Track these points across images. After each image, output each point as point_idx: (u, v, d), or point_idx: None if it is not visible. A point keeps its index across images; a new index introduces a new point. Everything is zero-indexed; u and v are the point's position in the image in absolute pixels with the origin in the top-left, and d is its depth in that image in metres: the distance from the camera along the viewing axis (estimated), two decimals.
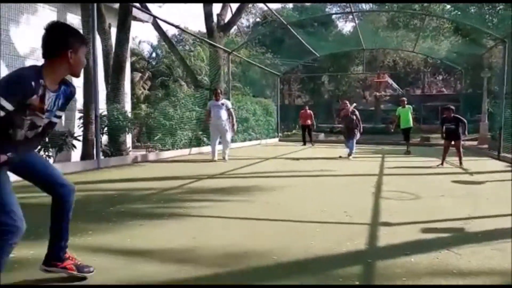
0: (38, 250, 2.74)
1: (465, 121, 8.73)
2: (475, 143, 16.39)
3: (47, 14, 8.81)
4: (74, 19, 9.50)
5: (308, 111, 15.48)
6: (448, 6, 22.23)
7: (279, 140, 18.76)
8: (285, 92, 35.76)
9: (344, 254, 2.84)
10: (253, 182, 6.31)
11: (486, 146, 14.41)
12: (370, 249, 2.97)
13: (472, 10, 21.12)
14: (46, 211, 2.36)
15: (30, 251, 2.73)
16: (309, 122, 15.42)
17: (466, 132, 8.85)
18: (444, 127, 8.71)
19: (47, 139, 7.52)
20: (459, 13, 21.63)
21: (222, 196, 5.01)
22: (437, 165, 8.64)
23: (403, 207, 4.45)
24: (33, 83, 1.88)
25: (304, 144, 15.34)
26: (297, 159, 10.36)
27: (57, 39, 2.01)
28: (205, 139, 11.84)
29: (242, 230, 3.46)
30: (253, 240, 3.15)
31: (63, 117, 8.85)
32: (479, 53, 16.82)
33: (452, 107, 8.80)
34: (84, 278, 2.31)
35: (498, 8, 20.07)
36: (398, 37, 20.56)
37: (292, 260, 2.70)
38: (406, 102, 12.15)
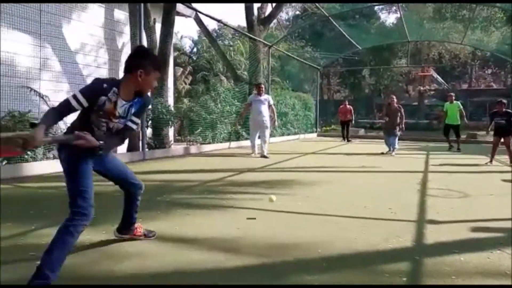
0: (94, 235, 2.93)
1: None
2: None
3: (96, 11, 9.23)
4: (121, 15, 9.89)
5: (348, 106, 15.16)
6: None
7: (318, 135, 18.59)
8: (324, 87, 35.24)
9: (390, 251, 2.80)
10: (292, 176, 6.33)
11: None
12: (417, 246, 2.92)
13: None
14: (99, 199, 2.56)
15: (86, 236, 2.91)
16: (348, 117, 15.11)
17: None
18: (494, 122, 8.27)
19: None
20: None
21: (263, 189, 5.07)
22: (486, 163, 8.25)
23: (450, 205, 4.30)
24: (105, 85, 2.25)
25: (344, 139, 15.08)
26: (346, 154, 10.23)
27: (133, 59, 2.33)
28: (244, 133, 11.96)
29: (283, 223, 3.49)
30: (295, 233, 3.18)
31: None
32: None
33: (504, 101, 8.30)
34: (153, 234, 2.97)
35: None
36: (445, 29, 19.65)
37: (336, 254, 2.70)
38: (454, 98, 11.58)
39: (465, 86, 41.41)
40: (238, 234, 3.12)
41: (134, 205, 2.78)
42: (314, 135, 18.39)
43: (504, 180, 6.18)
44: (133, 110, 2.42)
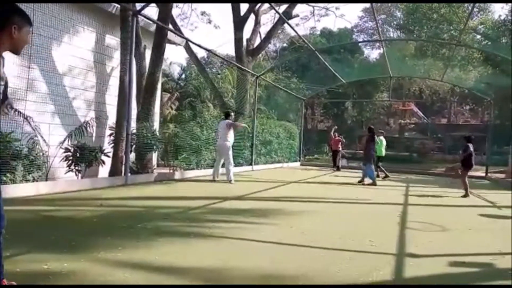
0: (71, 263, 2.87)
1: (467, 151, 8.69)
2: (503, 175, 15.87)
3: (88, 35, 9.32)
4: (112, 40, 10.00)
5: (338, 137, 16.08)
6: (478, 36, 22.12)
7: (301, 164, 18.73)
8: (308, 117, 35.83)
9: (371, 285, 2.83)
10: (276, 205, 6.34)
11: None
12: (397, 280, 2.95)
13: (504, 41, 20.92)
14: (78, 225, 2.49)
15: (64, 264, 2.85)
16: (340, 147, 15.88)
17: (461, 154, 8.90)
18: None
19: (78, 154, 7.82)
20: (490, 43, 21.47)
21: (246, 218, 5.06)
22: (463, 196, 8.59)
23: (429, 238, 4.38)
24: None
25: (334, 167, 15.80)
26: (328, 183, 10.33)
27: (2, 14, 2.12)
28: None
29: (266, 254, 3.49)
30: (278, 264, 3.18)
31: (93, 133, 9.07)
32: (510, 84, 16.49)
33: (468, 136, 9.04)
34: None
35: None
36: (426, 66, 20.51)
37: None
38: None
39: (444, 121, 42.76)
40: (220, 264, 3.10)
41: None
42: (298, 164, 18.53)
43: (482, 215, 6.33)
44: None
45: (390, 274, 3.06)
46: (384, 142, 13.01)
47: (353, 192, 8.74)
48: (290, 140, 17.94)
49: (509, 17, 19.96)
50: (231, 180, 8.91)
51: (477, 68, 21.75)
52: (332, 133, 16.51)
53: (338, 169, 15.71)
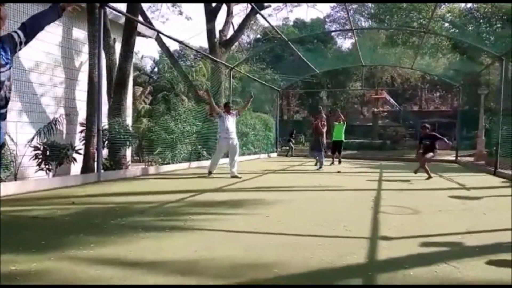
0: (41, 263, 2.79)
1: (442, 137, 9.22)
2: (471, 159, 16.49)
3: (54, 29, 8.98)
4: (80, 34, 9.69)
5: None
6: (447, 24, 22.70)
7: (278, 155, 18.84)
8: (284, 107, 35.99)
9: (344, 267, 2.88)
10: (253, 196, 6.36)
11: (483, 162, 14.49)
12: (370, 263, 3.02)
13: (470, 28, 21.56)
14: (49, 224, 2.42)
15: (32, 264, 2.76)
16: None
17: (446, 140, 9.28)
18: (421, 144, 9.28)
19: (47, 152, 7.58)
20: (457, 31, 22.08)
21: (222, 210, 5.05)
22: (426, 179, 8.88)
23: (401, 221, 4.50)
24: None
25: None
26: (305, 172, 10.42)
27: None
28: (204, 153, 11.91)
29: (243, 244, 3.50)
30: (254, 253, 3.19)
31: (64, 130, 8.81)
32: (476, 71, 17.05)
33: (428, 126, 9.43)
34: None
35: (496, 27, 20.51)
36: (396, 54, 20.90)
37: (293, 274, 2.74)
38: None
39: (416, 108, 43.89)
40: (195, 256, 3.08)
41: None
42: (275, 154, 18.62)
43: (452, 197, 6.55)
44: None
45: (364, 257, 3.12)
46: (344, 127, 13.38)
47: (329, 179, 8.86)
48: (267, 132, 18.00)
49: (475, 5, 20.55)
50: (237, 175, 8.58)
51: (446, 56, 22.32)
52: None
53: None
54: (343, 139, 13.39)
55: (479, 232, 4.06)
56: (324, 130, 13.93)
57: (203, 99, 14.86)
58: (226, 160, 9.20)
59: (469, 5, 21.40)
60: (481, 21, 20.84)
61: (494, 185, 8.49)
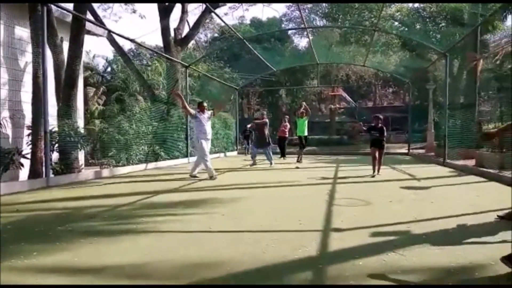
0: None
1: (385, 135, 8.78)
2: (423, 151, 17.34)
3: None
4: (23, 32, 9.16)
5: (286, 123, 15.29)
6: (396, 23, 23.66)
7: (238, 153, 18.81)
8: (245, 106, 36.04)
9: (296, 261, 2.91)
10: (210, 195, 6.29)
11: (432, 153, 15.27)
12: (321, 255, 3.06)
13: (418, 27, 22.60)
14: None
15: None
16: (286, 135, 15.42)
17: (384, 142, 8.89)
18: (370, 135, 8.87)
19: None
20: (406, 29, 23.08)
21: (178, 211, 4.96)
22: (371, 175, 8.52)
23: (354, 213, 4.62)
24: None
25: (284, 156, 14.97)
26: (264, 170, 10.45)
27: None
28: (162, 153, 11.66)
29: (195, 243, 3.44)
30: (206, 252, 3.15)
31: (9, 134, 8.36)
32: (424, 67, 17.91)
33: (380, 117, 8.81)
34: None
35: (441, 25, 21.62)
36: (350, 52, 21.51)
37: (245, 270, 2.73)
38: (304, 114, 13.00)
39: (370, 104, 45.47)
40: (144, 259, 2.98)
41: None
42: (235, 153, 18.59)
43: (403, 187, 6.82)
44: None
45: (316, 250, 3.17)
46: (306, 123, 13.13)
47: (286, 176, 8.96)
48: (227, 130, 17.91)
49: (421, 5, 21.55)
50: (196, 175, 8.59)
51: (397, 53, 23.30)
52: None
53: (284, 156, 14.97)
54: (306, 134, 13.06)
55: (427, 220, 4.25)
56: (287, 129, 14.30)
57: (162, 99, 14.54)
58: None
59: (416, 4, 22.42)
60: (427, 20, 21.89)
61: (442, 175, 8.94)
